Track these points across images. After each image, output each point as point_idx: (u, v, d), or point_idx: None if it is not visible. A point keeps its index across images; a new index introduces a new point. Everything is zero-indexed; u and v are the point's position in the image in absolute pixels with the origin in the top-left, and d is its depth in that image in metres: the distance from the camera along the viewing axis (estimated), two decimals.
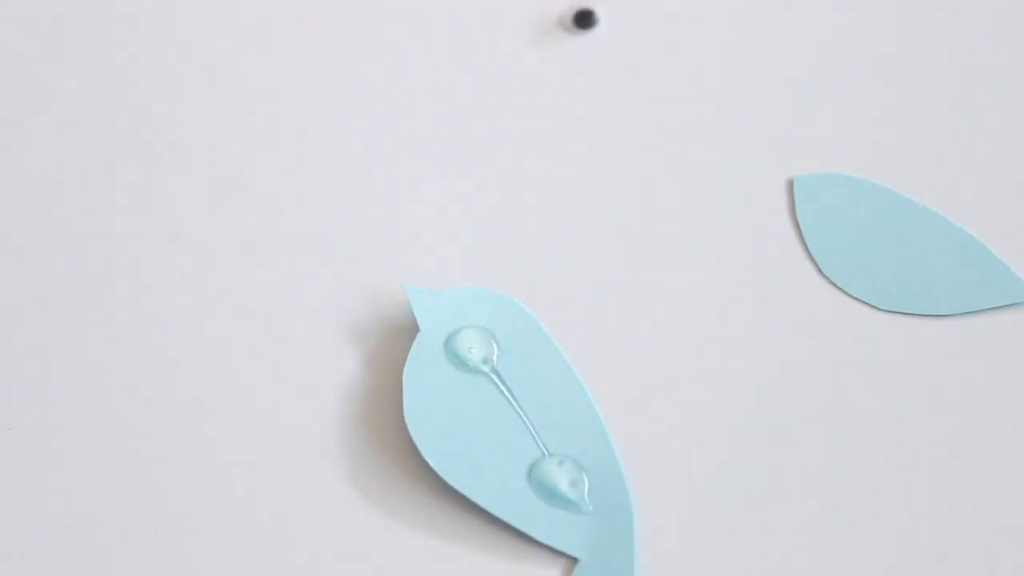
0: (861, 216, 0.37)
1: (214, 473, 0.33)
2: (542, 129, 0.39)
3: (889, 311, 0.35)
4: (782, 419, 0.34)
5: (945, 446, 0.33)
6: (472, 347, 0.34)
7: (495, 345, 0.34)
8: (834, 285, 0.36)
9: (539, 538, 0.32)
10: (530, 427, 0.33)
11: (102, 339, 0.35)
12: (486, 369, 0.34)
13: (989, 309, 0.35)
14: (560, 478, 0.32)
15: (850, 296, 0.35)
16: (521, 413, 0.33)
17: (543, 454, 0.33)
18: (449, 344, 0.34)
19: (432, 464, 0.32)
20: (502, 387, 0.34)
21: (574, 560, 0.32)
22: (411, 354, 0.34)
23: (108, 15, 0.41)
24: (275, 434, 0.34)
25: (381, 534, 0.32)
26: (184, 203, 0.37)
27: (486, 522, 0.32)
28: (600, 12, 0.41)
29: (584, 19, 0.41)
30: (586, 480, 0.32)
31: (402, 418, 0.33)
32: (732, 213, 0.37)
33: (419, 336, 0.34)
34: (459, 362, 0.34)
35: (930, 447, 0.33)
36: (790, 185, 0.37)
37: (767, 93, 0.39)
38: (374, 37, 0.41)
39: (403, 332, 0.35)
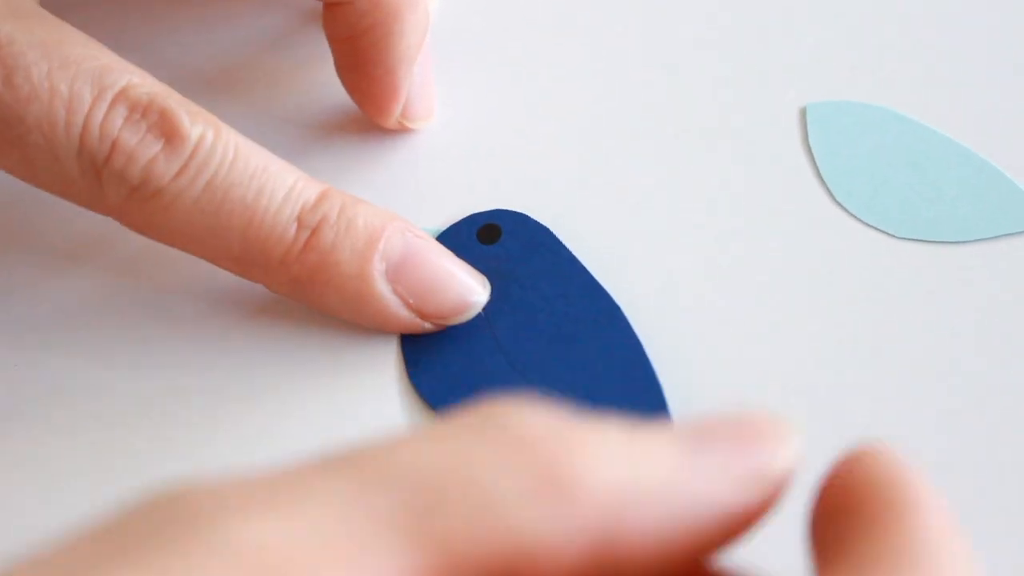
0: (875, 143, 0.36)
1: None
2: (552, 55, 0.39)
3: (904, 238, 0.35)
4: (797, 347, 0.33)
5: (961, 372, 0.33)
6: None
7: None
8: (849, 213, 0.35)
9: None
10: None
11: None
12: None
13: (1006, 235, 0.35)
14: None
15: (865, 224, 0.35)
16: None
17: None
18: None
19: None
20: None
21: None
22: None
23: None
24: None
25: None
26: None
27: None
28: None
29: None
30: None
31: None
32: (745, 142, 0.37)
33: None
34: None
35: (946, 374, 0.33)
36: (803, 113, 0.37)
37: (780, 20, 0.39)
38: None
39: None
